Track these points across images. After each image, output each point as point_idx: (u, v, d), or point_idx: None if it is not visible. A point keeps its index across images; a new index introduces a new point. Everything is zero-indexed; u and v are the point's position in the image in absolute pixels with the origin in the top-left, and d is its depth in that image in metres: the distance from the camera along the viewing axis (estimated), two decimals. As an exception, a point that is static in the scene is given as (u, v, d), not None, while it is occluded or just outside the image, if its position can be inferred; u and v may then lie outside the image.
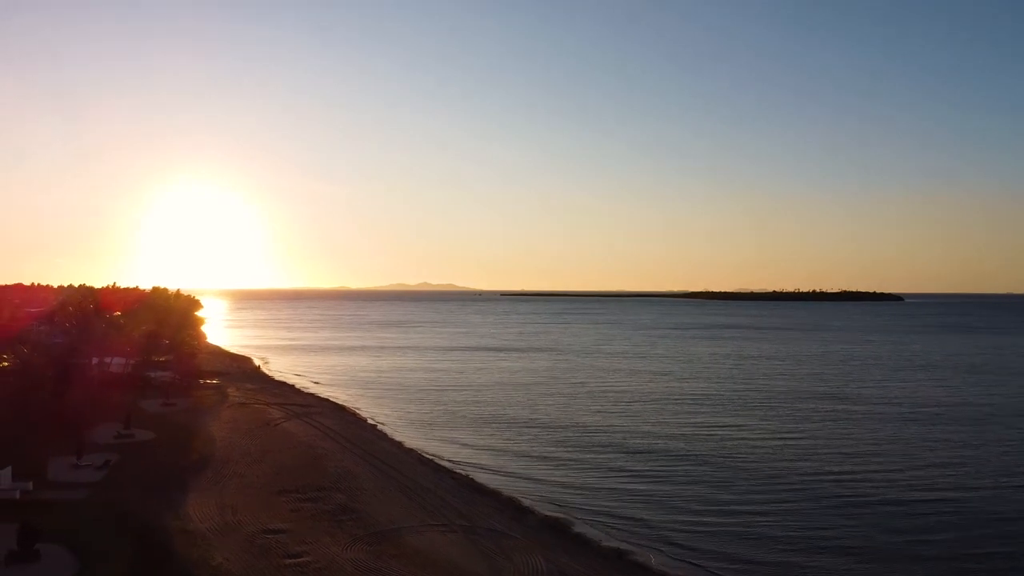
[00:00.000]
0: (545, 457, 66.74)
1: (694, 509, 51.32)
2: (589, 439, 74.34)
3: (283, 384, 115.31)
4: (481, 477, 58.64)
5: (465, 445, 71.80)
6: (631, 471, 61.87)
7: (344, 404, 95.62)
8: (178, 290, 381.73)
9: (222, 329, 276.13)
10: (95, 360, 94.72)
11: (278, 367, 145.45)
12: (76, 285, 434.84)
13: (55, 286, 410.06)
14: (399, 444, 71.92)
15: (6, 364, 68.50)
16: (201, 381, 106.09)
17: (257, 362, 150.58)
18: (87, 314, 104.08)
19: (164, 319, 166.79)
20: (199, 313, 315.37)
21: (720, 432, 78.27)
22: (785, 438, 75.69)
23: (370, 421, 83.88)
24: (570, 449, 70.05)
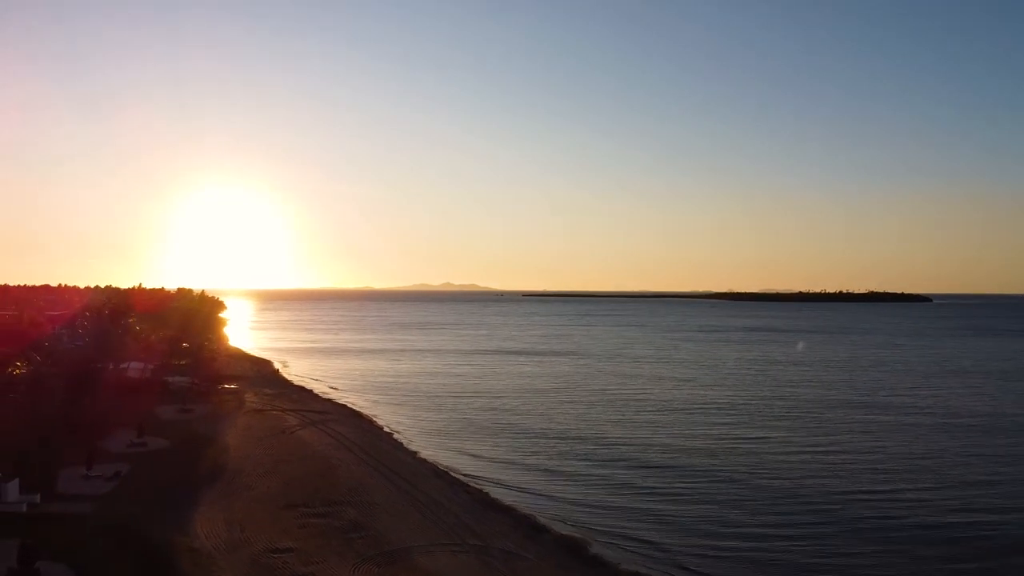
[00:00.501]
0: (562, 471, 64.80)
1: (716, 532, 49.14)
2: (608, 452, 72.15)
3: (301, 389, 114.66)
4: (496, 492, 57.00)
5: (481, 456, 70.21)
6: (651, 488, 59.63)
7: (361, 411, 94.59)
8: (203, 291, 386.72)
9: (244, 330, 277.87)
10: (112, 365, 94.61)
11: (297, 371, 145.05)
12: (103, 286, 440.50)
13: (82, 287, 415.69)
14: (414, 454, 70.59)
15: (19, 372, 67.92)
16: (220, 386, 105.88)
17: (277, 365, 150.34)
18: (103, 318, 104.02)
19: (185, 322, 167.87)
20: (222, 315, 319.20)
21: (745, 446, 75.69)
22: (813, 452, 73.06)
23: (386, 429, 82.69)
24: (588, 463, 67.88)
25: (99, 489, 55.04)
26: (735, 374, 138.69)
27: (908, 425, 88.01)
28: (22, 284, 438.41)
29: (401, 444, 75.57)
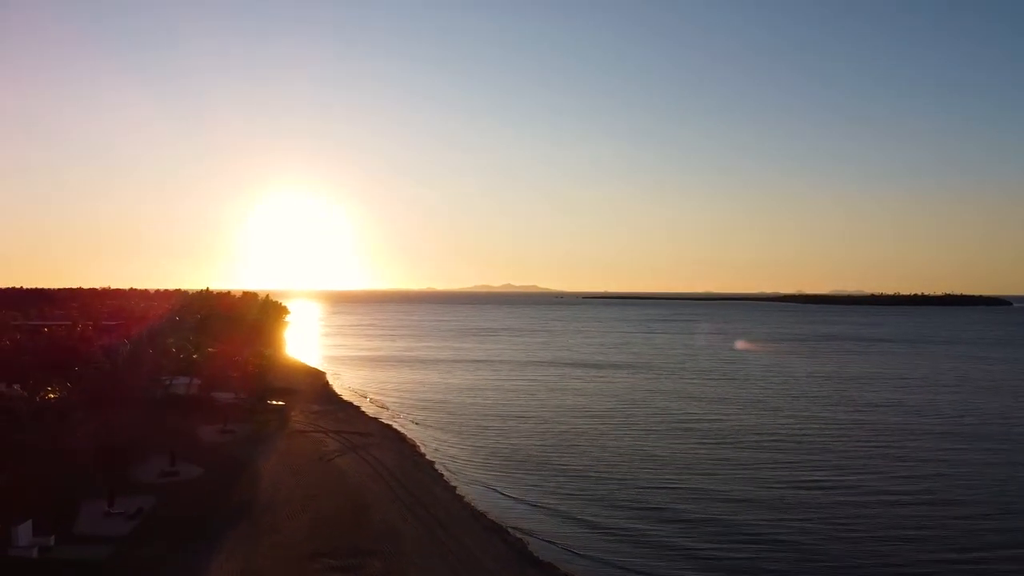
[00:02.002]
0: (608, 521, 57.91)
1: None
2: (663, 498, 64.15)
3: (348, 406, 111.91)
4: (535, 544, 51.80)
5: (522, 496, 64.70)
6: (708, 550, 51.87)
7: (405, 434, 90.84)
8: (267, 295, 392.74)
9: (305, 336, 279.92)
10: (154, 382, 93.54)
11: (349, 383, 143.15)
12: (172, 289, 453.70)
13: (151, 290, 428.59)
14: (453, 489, 66.06)
15: (51, 397, 66.31)
16: (266, 402, 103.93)
17: (329, 377, 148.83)
18: (139, 336, 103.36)
19: (245, 332, 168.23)
20: (286, 318, 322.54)
21: (823, 494, 65.96)
22: (898, 498, 64.78)
23: (428, 457, 78.48)
24: (640, 514, 59.59)
25: (119, 529, 52.33)
26: (807, 394, 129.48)
27: (1004, 461, 78.85)
28: (94, 287, 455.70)
29: (441, 476, 71.20)
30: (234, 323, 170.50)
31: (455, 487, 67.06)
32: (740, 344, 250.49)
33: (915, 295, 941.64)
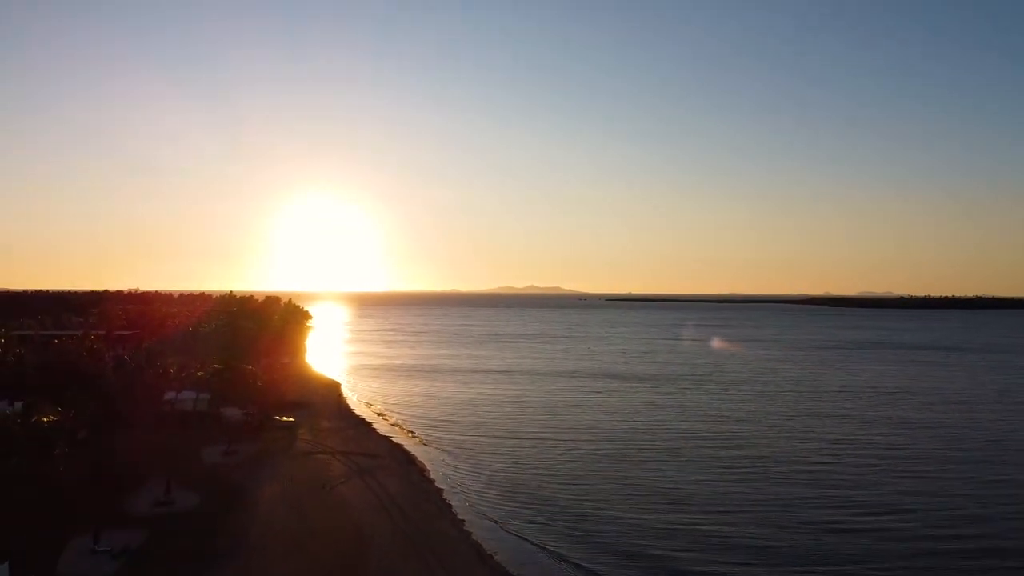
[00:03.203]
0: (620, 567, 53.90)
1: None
2: (682, 542, 59.19)
3: (360, 423, 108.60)
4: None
5: (530, 534, 60.48)
6: None
7: (415, 456, 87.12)
8: (290, 299, 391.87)
9: (325, 342, 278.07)
10: (155, 395, 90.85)
11: (364, 395, 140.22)
12: (196, 292, 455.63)
13: (176, 294, 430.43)
14: (460, 524, 62.02)
15: (45, 420, 63.48)
16: (275, 418, 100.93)
17: (344, 389, 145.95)
18: (147, 348, 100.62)
19: (257, 340, 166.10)
20: (308, 323, 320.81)
21: (859, 536, 61.10)
22: (942, 544, 59.70)
23: (437, 485, 74.55)
24: (652, 563, 54.41)
25: (103, 569, 49.08)
26: (840, 411, 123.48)
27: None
28: (121, 290, 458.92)
29: (449, 506, 67.28)
30: (251, 332, 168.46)
31: (463, 521, 63.06)
32: (767, 352, 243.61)
33: (945, 297, 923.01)
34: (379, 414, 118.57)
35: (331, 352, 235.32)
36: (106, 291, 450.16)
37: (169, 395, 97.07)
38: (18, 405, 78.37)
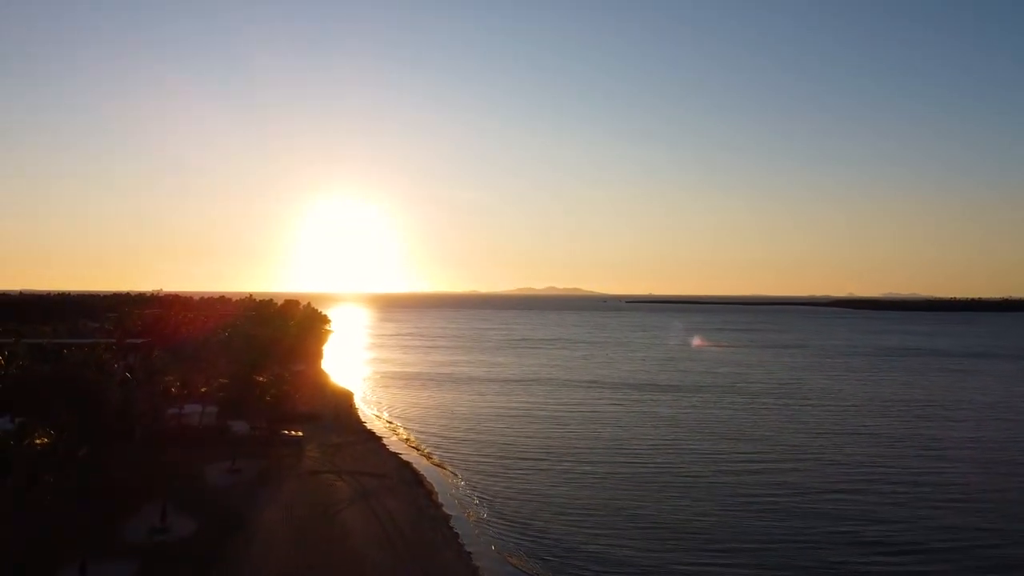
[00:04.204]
0: None
1: None
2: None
3: (370, 437, 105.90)
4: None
5: (539, 571, 57.33)
6: None
7: (423, 476, 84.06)
8: (309, 303, 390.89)
9: (343, 347, 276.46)
10: (158, 409, 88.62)
11: (376, 406, 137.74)
12: (216, 295, 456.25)
13: (196, 296, 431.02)
14: (467, 559, 58.72)
15: (39, 443, 61.18)
16: (284, 432, 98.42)
17: (357, 399, 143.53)
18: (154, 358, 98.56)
19: (272, 348, 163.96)
20: (326, 327, 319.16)
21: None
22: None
23: (444, 510, 71.38)
24: None
25: (85, 608, 46.60)
26: (869, 429, 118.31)
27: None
28: (143, 292, 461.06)
29: (456, 536, 64.12)
30: (267, 340, 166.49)
31: (470, 553, 59.82)
32: (792, 360, 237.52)
33: (972, 299, 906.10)
34: (389, 427, 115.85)
35: (348, 358, 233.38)
36: (128, 294, 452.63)
37: (173, 409, 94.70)
38: (13, 423, 76.12)
